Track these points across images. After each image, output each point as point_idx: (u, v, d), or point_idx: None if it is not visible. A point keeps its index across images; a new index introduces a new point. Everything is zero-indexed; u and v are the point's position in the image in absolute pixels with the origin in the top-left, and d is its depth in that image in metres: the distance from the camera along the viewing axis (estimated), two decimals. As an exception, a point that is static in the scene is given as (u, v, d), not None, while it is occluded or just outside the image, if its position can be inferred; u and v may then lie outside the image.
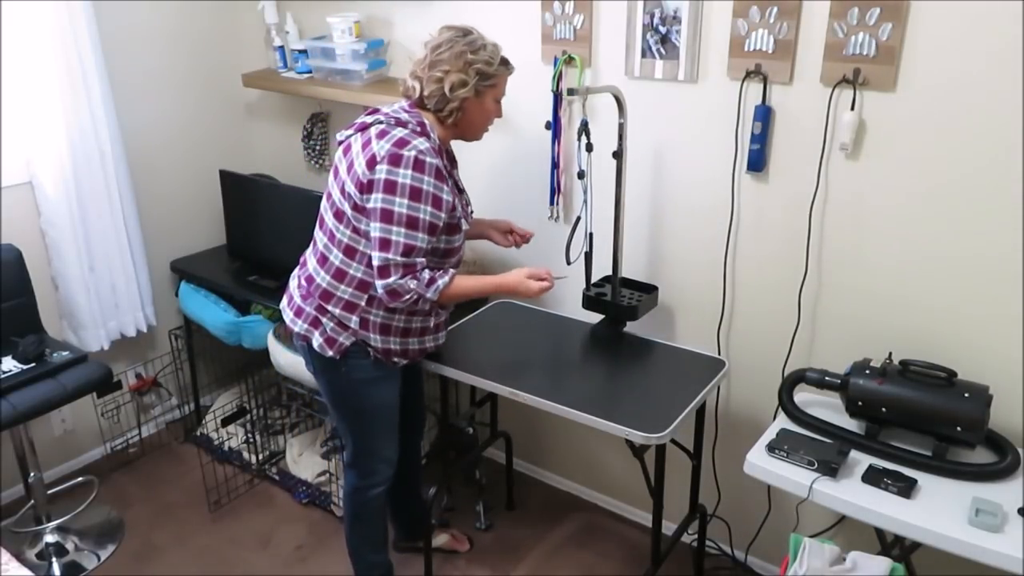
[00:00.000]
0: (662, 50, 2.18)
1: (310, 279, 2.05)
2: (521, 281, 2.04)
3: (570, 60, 2.34)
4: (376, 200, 1.85)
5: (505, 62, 1.99)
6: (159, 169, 3.11)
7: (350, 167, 1.91)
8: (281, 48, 3.00)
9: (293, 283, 2.14)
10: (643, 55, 2.22)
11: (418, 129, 1.91)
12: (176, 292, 3.14)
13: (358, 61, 2.70)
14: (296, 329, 2.09)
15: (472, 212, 2.23)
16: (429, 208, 1.87)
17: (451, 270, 2.00)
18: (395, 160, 1.84)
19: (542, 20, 2.37)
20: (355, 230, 1.93)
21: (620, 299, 2.30)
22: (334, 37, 2.72)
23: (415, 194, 1.85)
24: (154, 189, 3.09)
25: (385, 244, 1.87)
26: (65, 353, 2.54)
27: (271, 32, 3.01)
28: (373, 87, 2.71)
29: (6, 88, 2.58)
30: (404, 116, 1.92)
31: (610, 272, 2.32)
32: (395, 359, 2.09)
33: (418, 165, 1.85)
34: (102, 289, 2.89)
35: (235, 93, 3.25)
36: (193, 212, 3.25)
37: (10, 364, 2.46)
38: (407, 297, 1.92)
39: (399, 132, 1.88)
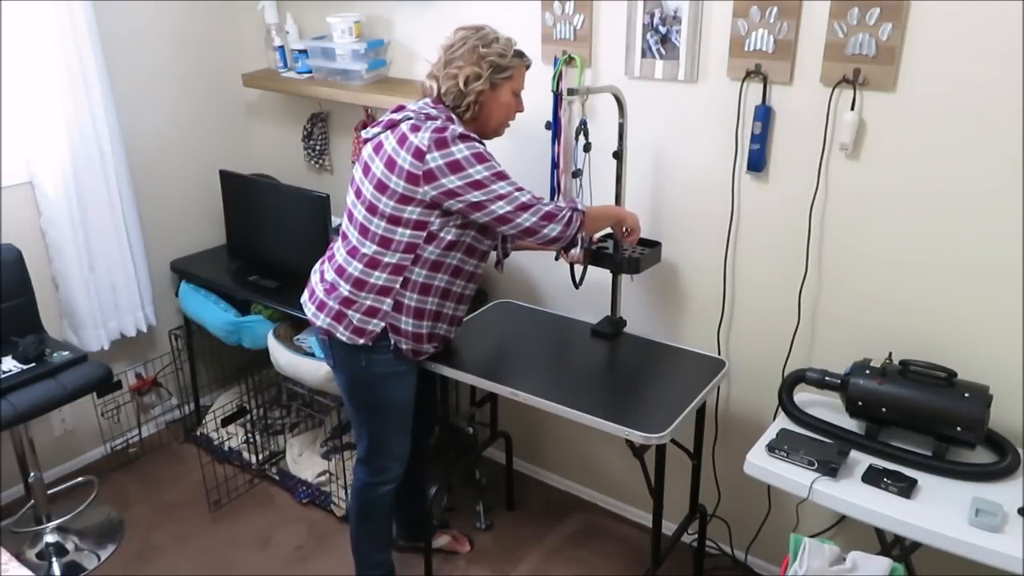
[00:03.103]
0: (662, 50, 2.18)
1: (340, 270, 2.04)
2: (632, 213, 2.18)
3: (570, 60, 2.33)
4: (452, 182, 1.88)
5: (520, 54, 2.03)
6: (159, 169, 3.11)
7: (390, 163, 1.92)
8: (281, 48, 3.00)
9: (315, 276, 2.15)
10: (643, 55, 2.22)
11: (448, 122, 1.94)
12: (176, 292, 3.14)
13: (358, 61, 2.70)
14: (318, 323, 2.09)
15: None
16: (497, 163, 1.93)
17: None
18: (442, 144, 1.87)
19: (542, 20, 2.37)
20: (392, 220, 1.94)
21: (623, 252, 2.27)
22: (334, 37, 2.72)
23: (480, 158, 1.90)
24: (154, 189, 3.09)
25: (501, 197, 1.90)
26: (65, 353, 2.54)
27: (271, 32, 3.01)
28: (373, 87, 2.71)
29: (6, 88, 2.58)
30: (432, 111, 1.96)
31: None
32: (423, 345, 2.09)
33: (464, 138, 1.90)
34: (102, 289, 2.89)
35: (235, 93, 3.25)
36: (193, 212, 3.25)
37: (10, 364, 2.46)
38: (562, 215, 1.95)
39: (432, 123, 1.91)
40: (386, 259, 1.98)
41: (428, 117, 1.94)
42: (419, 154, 1.87)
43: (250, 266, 3.09)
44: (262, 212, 3.02)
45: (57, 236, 2.76)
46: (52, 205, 2.72)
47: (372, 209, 1.96)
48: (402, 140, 1.91)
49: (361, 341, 2.03)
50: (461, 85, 1.95)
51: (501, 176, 1.91)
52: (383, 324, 2.02)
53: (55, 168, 2.68)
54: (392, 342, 2.05)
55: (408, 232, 1.95)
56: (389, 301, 2.01)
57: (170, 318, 3.23)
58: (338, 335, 2.05)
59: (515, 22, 2.42)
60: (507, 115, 2.07)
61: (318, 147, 3.13)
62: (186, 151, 3.18)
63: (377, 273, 1.99)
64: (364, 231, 1.99)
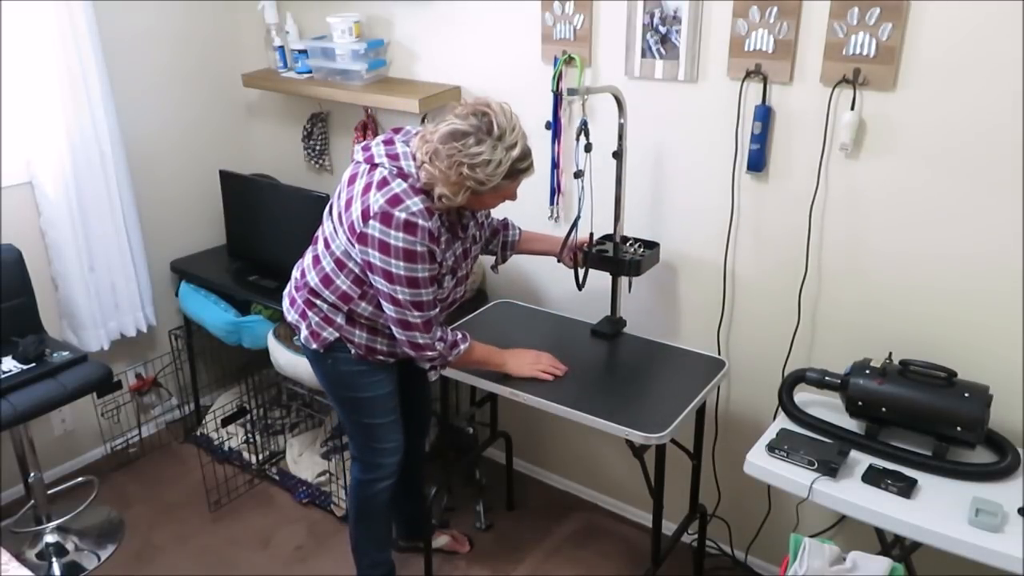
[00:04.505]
0: (662, 50, 2.18)
1: (303, 274, 2.08)
2: (528, 370, 2.11)
3: (570, 60, 2.34)
4: (373, 257, 1.86)
5: (517, 172, 1.85)
6: (159, 169, 3.11)
7: (348, 204, 1.90)
8: (281, 48, 3.00)
9: (295, 272, 2.17)
10: (643, 55, 2.22)
11: (418, 185, 1.86)
12: (176, 292, 3.14)
13: (358, 61, 2.70)
14: (288, 318, 2.14)
15: (474, 255, 2.13)
16: (426, 265, 1.87)
17: (469, 337, 2.07)
18: (386, 220, 1.82)
19: (542, 20, 2.37)
20: (346, 251, 1.94)
21: (623, 254, 2.26)
22: (334, 37, 2.72)
23: (409, 256, 1.84)
24: (154, 189, 3.09)
25: (395, 301, 1.90)
26: (65, 353, 2.54)
27: (271, 32, 3.01)
28: (373, 87, 2.71)
29: (6, 88, 2.58)
30: (411, 168, 1.86)
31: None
32: (380, 358, 2.09)
33: (409, 227, 1.82)
34: (102, 289, 2.89)
35: (235, 93, 3.25)
36: (193, 212, 3.25)
37: (10, 364, 2.46)
38: (430, 354, 1.98)
39: (397, 187, 1.84)
40: (338, 282, 1.98)
41: (401, 174, 1.85)
42: (364, 215, 1.85)
43: (250, 266, 3.09)
44: (262, 212, 3.02)
45: (57, 236, 2.76)
46: (52, 205, 2.72)
47: (335, 231, 1.97)
48: (366, 189, 1.87)
49: (314, 346, 2.06)
50: (434, 193, 1.83)
51: (413, 283, 1.86)
52: (337, 334, 2.04)
53: (55, 168, 2.68)
54: (351, 348, 2.07)
55: (358, 268, 1.94)
56: (342, 315, 2.03)
57: (170, 318, 3.23)
58: (301, 333, 2.08)
59: (515, 22, 2.42)
60: (487, 207, 2.02)
61: (318, 147, 3.13)
62: (186, 151, 3.18)
63: (328, 292, 2.01)
64: (327, 245, 2.00)
